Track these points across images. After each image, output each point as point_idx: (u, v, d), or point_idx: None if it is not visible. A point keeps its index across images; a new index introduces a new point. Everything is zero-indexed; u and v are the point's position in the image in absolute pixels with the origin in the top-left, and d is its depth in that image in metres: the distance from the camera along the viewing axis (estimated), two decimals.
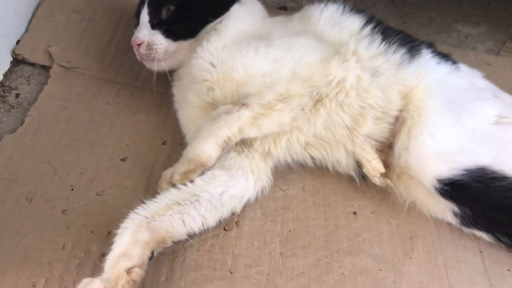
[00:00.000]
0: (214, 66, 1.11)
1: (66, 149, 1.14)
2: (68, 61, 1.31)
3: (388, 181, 1.13)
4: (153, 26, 1.17)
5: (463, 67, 1.25)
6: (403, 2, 1.85)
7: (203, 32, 1.19)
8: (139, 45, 1.17)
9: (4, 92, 1.23)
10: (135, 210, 0.97)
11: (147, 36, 1.16)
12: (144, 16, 1.18)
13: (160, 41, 1.16)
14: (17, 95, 1.24)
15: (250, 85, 1.08)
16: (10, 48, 1.31)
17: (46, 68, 1.30)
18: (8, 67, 1.29)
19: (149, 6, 1.18)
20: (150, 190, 1.07)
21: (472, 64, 1.56)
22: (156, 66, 1.19)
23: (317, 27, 1.19)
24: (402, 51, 1.14)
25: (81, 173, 1.10)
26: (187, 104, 1.16)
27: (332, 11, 1.21)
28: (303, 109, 1.08)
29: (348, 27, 1.18)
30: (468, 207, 1.06)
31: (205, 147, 1.04)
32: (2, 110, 1.20)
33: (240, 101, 1.07)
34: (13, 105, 1.21)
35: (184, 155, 1.06)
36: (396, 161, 1.11)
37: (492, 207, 1.04)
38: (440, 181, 1.03)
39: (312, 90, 1.08)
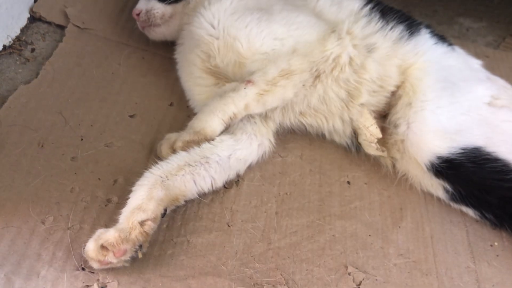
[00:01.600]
0: (214, 28, 1.15)
1: (78, 102, 1.19)
2: (83, 22, 1.36)
3: (384, 148, 1.18)
4: None
5: (458, 49, 1.30)
6: None
7: None
8: (138, 15, 1.26)
9: (20, 46, 1.28)
10: (149, 169, 1.01)
11: (144, 5, 1.26)
12: None
13: (156, 6, 1.25)
14: (33, 50, 1.28)
15: (254, 63, 1.13)
16: (28, 5, 1.35)
17: (61, 27, 1.35)
18: (25, 23, 1.34)
19: None
20: (156, 144, 1.12)
21: (470, 55, 1.62)
22: (156, 33, 1.28)
23: (318, 3, 1.24)
24: (401, 27, 1.19)
25: (91, 125, 1.15)
26: (191, 67, 1.20)
27: None
28: (304, 85, 1.14)
29: (348, 7, 1.23)
30: (460, 186, 1.11)
31: (211, 121, 1.09)
32: (18, 63, 1.25)
33: (245, 78, 1.11)
34: (28, 59, 1.26)
35: (189, 125, 1.11)
36: (393, 130, 1.16)
37: (483, 188, 1.09)
38: (439, 158, 1.08)
39: (311, 66, 1.13)
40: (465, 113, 1.13)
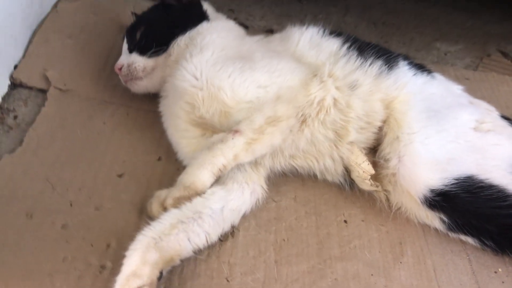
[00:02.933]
0: (196, 79, 1.15)
1: (64, 166, 1.17)
2: (65, 84, 1.35)
3: (378, 183, 1.18)
4: (130, 50, 1.28)
5: (438, 76, 1.32)
6: (384, 23, 1.94)
7: (175, 45, 1.26)
8: (120, 69, 1.27)
9: (3, 114, 1.27)
10: (141, 232, 0.99)
11: (125, 59, 1.27)
12: (124, 45, 1.31)
13: (136, 59, 1.26)
14: (15, 117, 1.27)
15: (240, 112, 1.13)
16: (8, 73, 1.35)
17: (43, 91, 1.34)
18: (6, 90, 1.33)
19: (126, 36, 1.31)
20: (147, 203, 1.10)
21: (451, 79, 1.62)
22: (139, 86, 1.29)
23: (297, 48, 1.26)
24: (379, 62, 1.21)
25: (80, 189, 1.13)
26: (176, 119, 1.20)
27: (312, 34, 1.28)
28: (291, 130, 1.14)
29: (327, 49, 1.24)
30: (457, 217, 1.11)
31: (201, 175, 1.08)
32: (1, 131, 1.23)
33: (232, 128, 1.11)
34: (11, 126, 1.25)
35: (179, 181, 1.10)
36: (385, 164, 1.15)
37: (480, 217, 1.08)
38: (432, 191, 1.08)
39: (297, 111, 1.14)
40: (454, 141, 1.13)
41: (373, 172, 1.17)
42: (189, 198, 1.06)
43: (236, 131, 1.09)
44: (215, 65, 1.16)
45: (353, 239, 1.15)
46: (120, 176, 1.18)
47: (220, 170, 1.09)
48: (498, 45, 1.93)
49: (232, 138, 1.09)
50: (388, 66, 1.21)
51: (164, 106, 1.25)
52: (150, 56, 1.26)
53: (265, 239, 1.12)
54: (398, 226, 1.19)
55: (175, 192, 1.07)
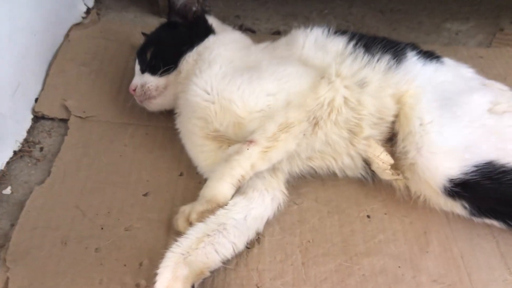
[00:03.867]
0: (208, 93, 1.18)
1: (92, 192, 1.22)
2: (84, 111, 1.41)
3: (399, 171, 1.18)
4: (142, 71, 1.32)
5: (447, 61, 1.30)
6: (391, 10, 1.92)
7: (184, 62, 1.30)
8: (134, 90, 1.31)
9: (30, 148, 1.33)
10: (170, 249, 1.02)
11: (138, 80, 1.32)
12: (136, 66, 1.35)
13: (149, 80, 1.30)
14: (41, 149, 1.33)
15: (252, 121, 1.16)
16: (30, 107, 1.41)
17: (64, 121, 1.40)
18: (30, 124, 1.39)
19: (137, 57, 1.35)
20: (173, 219, 1.14)
21: (465, 59, 1.61)
22: (154, 105, 1.33)
23: (302, 51, 1.26)
24: (387, 57, 1.21)
25: (108, 212, 1.18)
26: (192, 136, 1.24)
27: (316, 35, 1.28)
28: (304, 134, 1.16)
29: (333, 49, 1.25)
30: (480, 204, 1.11)
31: (221, 187, 1.11)
32: (30, 164, 1.29)
33: (247, 139, 1.14)
34: (38, 159, 1.31)
35: (201, 195, 1.13)
36: (403, 156, 1.16)
37: (505, 202, 1.08)
38: (451, 180, 1.08)
39: (308, 115, 1.15)
40: (469, 126, 1.13)
41: (392, 161, 1.18)
42: (212, 211, 1.09)
43: (250, 141, 1.12)
44: (224, 78, 1.19)
45: (378, 234, 1.17)
46: (145, 195, 1.22)
47: (239, 180, 1.12)
48: (511, 17, 1.89)
49: (248, 149, 1.11)
50: (396, 60, 1.21)
51: (180, 123, 1.29)
52: (161, 75, 1.30)
53: (290, 242, 1.14)
54: (421, 216, 1.20)
55: (198, 206, 1.10)
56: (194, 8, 1.34)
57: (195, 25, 1.34)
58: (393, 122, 1.20)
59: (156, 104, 1.33)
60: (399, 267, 1.10)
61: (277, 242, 1.14)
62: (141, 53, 1.35)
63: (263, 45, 1.35)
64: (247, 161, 1.11)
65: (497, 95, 1.20)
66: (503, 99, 1.19)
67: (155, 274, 0.99)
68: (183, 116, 1.27)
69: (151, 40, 1.38)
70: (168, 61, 1.30)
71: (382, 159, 1.18)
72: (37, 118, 1.41)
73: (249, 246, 1.13)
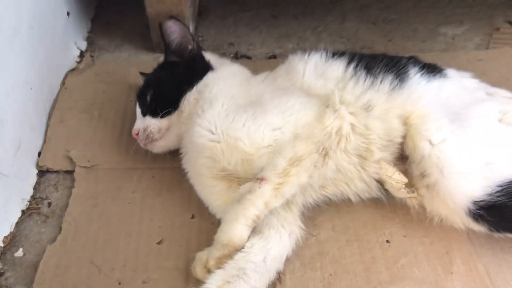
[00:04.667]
0: (212, 133, 1.17)
1: (105, 245, 1.20)
2: (88, 161, 1.39)
3: (413, 189, 1.17)
4: (144, 114, 1.31)
5: (450, 72, 1.28)
6: (383, 20, 1.91)
7: (184, 101, 1.28)
8: (137, 134, 1.30)
9: (37, 204, 1.31)
10: None
11: (140, 123, 1.30)
12: (137, 110, 1.34)
13: (150, 122, 1.28)
14: (49, 204, 1.31)
15: (261, 158, 1.14)
16: (33, 162, 1.39)
17: (69, 172, 1.38)
18: (35, 179, 1.37)
19: (138, 100, 1.34)
20: (190, 266, 1.12)
21: (463, 64, 1.62)
22: (158, 147, 1.31)
23: (304, 80, 1.25)
24: (390, 77, 1.19)
25: (124, 265, 1.16)
26: (200, 177, 1.22)
27: (315, 61, 1.27)
28: (315, 166, 1.14)
29: (333, 75, 1.23)
30: (504, 225, 1.08)
31: (236, 230, 1.08)
32: (39, 222, 1.27)
33: (258, 176, 1.12)
34: (47, 215, 1.29)
35: (216, 239, 1.10)
36: (422, 178, 1.13)
37: None
38: (476, 203, 1.05)
39: (317, 146, 1.14)
40: (483, 142, 1.10)
41: (406, 180, 1.17)
42: (229, 255, 1.07)
43: (261, 179, 1.10)
44: (227, 116, 1.17)
45: (399, 258, 1.15)
46: (159, 243, 1.20)
47: (254, 220, 1.10)
48: (505, 15, 1.88)
49: (259, 187, 1.09)
50: (399, 79, 1.19)
51: (187, 163, 1.27)
52: (163, 117, 1.28)
53: (312, 277, 1.12)
54: (440, 235, 1.18)
55: (215, 252, 1.08)
56: (190, 47, 1.32)
57: (193, 63, 1.32)
58: (402, 143, 1.18)
59: (160, 146, 1.32)
60: None
61: (299, 279, 1.12)
62: (140, 96, 1.34)
63: (262, 76, 1.34)
64: (260, 199, 1.09)
65: (503, 104, 1.19)
66: (511, 107, 1.17)
67: None
68: (189, 156, 1.25)
69: (150, 82, 1.36)
70: (169, 103, 1.28)
71: (395, 179, 1.16)
72: (42, 172, 1.39)
73: (271, 286, 1.10)
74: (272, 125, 1.15)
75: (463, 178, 1.06)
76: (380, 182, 1.20)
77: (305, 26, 1.90)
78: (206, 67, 1.32)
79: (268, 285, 1.09)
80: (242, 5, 2.01)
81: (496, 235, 1.13)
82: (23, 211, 1.29)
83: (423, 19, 1.90)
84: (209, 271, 1.07)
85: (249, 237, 1.11)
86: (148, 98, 1.31)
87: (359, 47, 1.78)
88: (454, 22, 1.88)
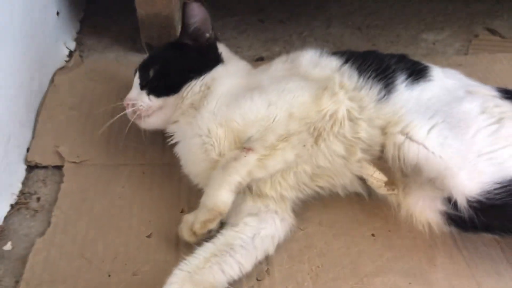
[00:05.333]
0: (218, 125, 1.18)
1: (95, 239, 1.20)
2: (78, 156, 1.39)
3: (393, 187, 1.19)
4: (142, 87, 1.30)
5: (435, 73, 1.26)
6: (367, 26, 1.96)
7: (188, 88, 1.27)
8: (128, 105, 1.29)
9: (26, 199, 1.30)
10: (178, 267, 1.05)
11: (135, 95, 1.29)
12: (136, 80, 1.32)
13: (143, 99, 1.28)
14: (38, 199, 1.31)
15: (251, 129, 1.16)
16: (22, 157, 1.39)
17: (58, 168, 1.38)
18: (24, 174, 1.37)
19: (139, 71, 1.32)
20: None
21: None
22: (146, 123, 1.31)
23: (301, 69, 1.26)
24: (378, 87, 1.19)
25: (115, 258, 1.16)
26: (194, 158, 1.22)
27: (311, 54, 1.29)
28: (304, 145, 1.16)
29: (328, 65, 1.25)
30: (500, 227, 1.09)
31: (220, 196, 1.10)
32: (28, 216, 1.27)
33: (244, 145, 1.14)
34: (37, 210, 1.28)
35: (202, 203, 1.13)
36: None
37: None
38: (471, 201, 1.03)
39: (309, 126, 1.16)
40: (470, 135, 1.09)
41: (385, 179, 1.19)
42: (214, 220, 1.11)
43: (248, 149, 1.12)
44: (228, 106, 1.19)
45: (385, 252, 1.18)
46: (149, 236, 1.21)
47: (236, 187, 1.12)
48: (483, 23, 1.95)
49: (245, 156, 1.12)
50: (386, 90, 1.19)
51: (181, 150, 1.27)
52: (158, 96, 1.28)
53: (300, 269, 1.14)
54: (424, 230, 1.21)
55: (201, 216, 1.11)
56: (207, 34, 1.30)
57: (206, 51, 1.31)
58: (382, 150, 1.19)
59: (149, 123, 1.31)
60: (410, 283, 1.11)
61: (287, 271, 1.14)
62: (143, 68, 1.32)
63: (261, 68, 1.36)
64: (244, 168, 1.11)
65: (484, 101, 1.18)
66: (492, 104, 1.17)
67: None
68: (185, 144, 1.25)
69: (157, 57, 1.35)
70: (171, 86, 1.28)
71: (375, 178, 1.19)
72: (31, 167, 1.39)
73: (259, 278, 1.13)
74: (269, 101, 1.17)
75: (458, 175, 1.06)
76: (362, 179, 1.23)
77: (291, 30, 1.94)
78: (217, 59, 1.32)
79: (255, 264, 1.12)
80: (230, 10, 2.04)
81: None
82: (12, 205, 1.28)
83: (406, 26, 1.96)
84: (195, 234, 1.11)
85: (246, 219, 1.15)
86: (151, 73, 1.29)
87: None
88: (436, 28, 1.95)
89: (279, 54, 1.81)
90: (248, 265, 1.10)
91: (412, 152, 1.10)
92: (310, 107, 1.17)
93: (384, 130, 1.16)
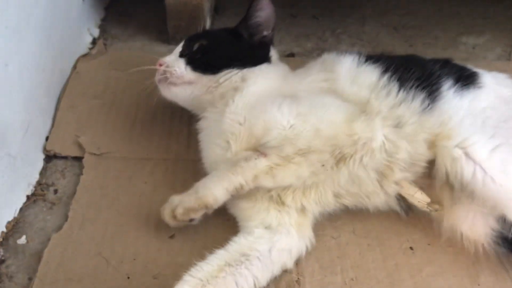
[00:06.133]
0: (241, 125, 1.12)
1: (114, 237, 1.14)
2: (98, 148, 1.33)
3: (437, 206, 1.11)
4: (182, 55, 1.25)
5: (485, 78, 1.19)
6: (404, 26, 1.88)
7: (226, 75, 1.21)
8: (161, 65, 1.24)
9: (43, 191, 1.25)
10: (189, 271, 0.98)
11: (171, 60, 1.25)
12: (178, 48, 1.28)
13: (179, 65, 1.22)
14: (56, 191, 1.25)
15: (270, 136, 1.08)
16: (41, 146, 1.33)
17: (78, 159, 1.32)
18: (42, 164, 1.31)
19: (186, 41, 1.29)
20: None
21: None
22: (169, 92, 1.25)
23: (338, 84, 1.17)
24: (422, 96, 1.10)
25: (134, 259, 1.10)
26: (212, 154, 1.17)
27: (349, 62, 1.19)
28: (323, 165, 1.08)
29: (366, 81, 1.15)
30: None
31: (215, 189, 1.05)
32: (44, 209, 1.21)
33: (259, 149, 1.08)
34: (53, 202, 1.23)
35: (194, 188, 1.08)
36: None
37: None
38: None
39: (334, 148, 1.07)
40: None
41: (428, 200, 1.11)
42: (198, 211, 1.05)
43: (262, 153, 1.06)
44: (254, 107, 1.13)
45: (424, 267, 1.10)
46: (171, 237, 1.15)
47: (236, 189, 1.05)
48: None
49: (255, 159, 1.05)
50: (431, 99, 1.10)
51: (203, 141, 1.22)
52: (195, 70, 1.22)
53: (332, 281, 1.07)
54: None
55: (186, 202, 1.06)
56: (265, 33, 1.28)
57: (257, 48, 1.28)
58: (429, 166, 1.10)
59: (172, 92, 1.25)
60: None
61: (319, 283, 1.07)
62: (190, 40, 1.29)
63: (298, 72, 1.28)
64: (251, 170, 1.05)
65: None
66: None
67: None
68: (208, 135, 1.21)
69: (209, 34, 1.34)
70: (212, 64, 1.22)
71: (417, 198, 1.11)
72: (49, 157, 1.33)
73: None
74: (297, 110, 1.09)
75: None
76: (402, 198, 1.14)
77: (325, 27, 1.86)
78: (265, 59, 1.27)
79: (270, 279, 1.05)
80: None
81: None
82: (28, 197, 1.23)
83: (444, 27, 1.87)
84: (175, 218, 1.06)
85: (258, 229, 1.09)
86: (196, 46, 1.25)
87: (379, 51, 1.73)
88: (475, 32, 1.85)
89: (311, 50, 1.75)
90: (263, 281, 1.03)
91: (467, 171, 1.01)
92: (341, 128, 1.07)
93: (432, 144, 1.07)
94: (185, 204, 1.06)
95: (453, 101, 1.11)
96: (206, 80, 1.22)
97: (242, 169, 1.05)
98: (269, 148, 1.07)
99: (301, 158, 1.06)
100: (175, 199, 1.09)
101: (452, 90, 1.12)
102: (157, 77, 1.25)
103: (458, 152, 1.02)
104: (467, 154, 1.01)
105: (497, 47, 1.79)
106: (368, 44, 1.78)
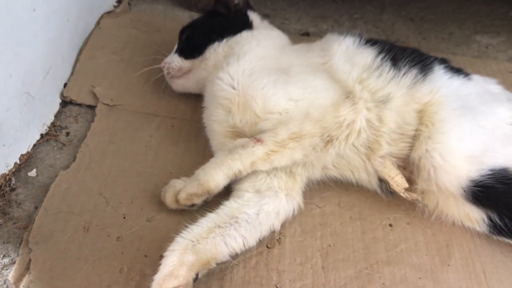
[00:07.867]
0: (234, 89, 1.19)
1: (116, 180, 1.23)
2: (111, 99, 1.41)
3: (414, 195, 1.17)
4: (176, 51, 1.37)
5: (475, 77, 1.28)
6: (421, 18, 1.91)
7: (211, 50, 1.32)
8: (163, 66, 1.36)
9: (56, 132, 1.34)
10: (180, 234, 1.05)
11: (170, 58, 1.37)
12: (175, 47, 1.39)
13: (175, 60, 1.35)
14: (67, 134, 1.34)
15: (266, 122, 1.16)
16: (58, 91, 1.42)
17: (91, 107, 1.41)
18: (58, 108, 1.40)
19: (179, 36, 1.39)
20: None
21: (494, 73, 1.61)
22: (177, 85, 1.38)
23: (333, 61, 1.24)
24: (414, 71, 1.19)
25: (131, 202, 1.18)
26: (214, 134, 1.24)
27: (348, 44, 1.26)
28: (314, 148, 1.15)
29: (360, 62, 1.23)
30: (495, 212, 1.09)
31: (216, 175, 1.11)
32: (55, 148, 1.30)
33: (256, 136, 1.13)
34: (64, 143, 1.32)
35: (195, 175, 1.14)
36: (421, 171, 1.14)
37: None
38: (472, 181, 1.07)
39: (323, 131, 1.14)
40: (490, 135, 1.13)
41: (406, 185, 1.17)
42: (201, 196, 1.11)
43: (258, 140, 1.12)
44: (251, 75, 1.19)
45: (399, 243, 1.16)
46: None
47: (235, 174, 1.12)
48: None
49: (253, 146, 1.11)
50: (423, 74, 1.19)
51: (205, 118, 1.29)
52: (187, 58, 1.34)
53: (311, 245, 1.14)
54: (444, 228, 1.19)
55: (189, 188, 1.11)
56: (235, 1, 1.36)
57: (234, 17, 1.36)
58: (413, 138, 1.17)
59: (179, 85, 1.38)
60: (420, 278, 1.09)
61: (298, 244, 1.14)
62: (181, 34, 1.40)
63: (297, 47, 1.35)
64: (249, 157, 1.11)
65: None
66: None
67: None
68: (208, 110, 1.27)
69: (193, 23, 1.42)
70: (196, 47, 1.33)
71: (396, 182, 1.17)
72: (65, 103, 1.42)
73: (270, 246, 1.13)
74: (290, 95, 1.16)
75: (462, 162, 1.09)
76: (382, 181, 1.21)
77: (343, 11, 1.90)
78: (245, 25, 1.35)
79: (259, 239, 1.11)
80: None
81: (495, 237, 1.15)
82: (41, 135, 1.32)
83: (461, 24, 1.89)
84: (177, 202, 1.12)
85: (248, 193, 1.15)
86: (183, 37, 1.37)
87: (393, 40, 1.78)
88: (491, 32, 1.88)
89: (326, 32, 1.79)
90: (252, 240, 1.10)
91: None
92: (328, 111, 1.15)
93: (420, 111, 1.16)
94: (188, 189, 1.11)
95: (443, 76, 1.21)
96: (199, 62, 1.34)
97: (239, 156, 1.11)
98: (265, 133, 1.13)
99: (295, 143, 1.12)
100: (177, 183, 1.15)
101: (443, 70, 1.22)
102: (166, 77, 1.37)
103: (439, 136, 1.11)
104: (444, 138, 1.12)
105: (510, 49, 1.81)
106: (382, 32, 1.82)
